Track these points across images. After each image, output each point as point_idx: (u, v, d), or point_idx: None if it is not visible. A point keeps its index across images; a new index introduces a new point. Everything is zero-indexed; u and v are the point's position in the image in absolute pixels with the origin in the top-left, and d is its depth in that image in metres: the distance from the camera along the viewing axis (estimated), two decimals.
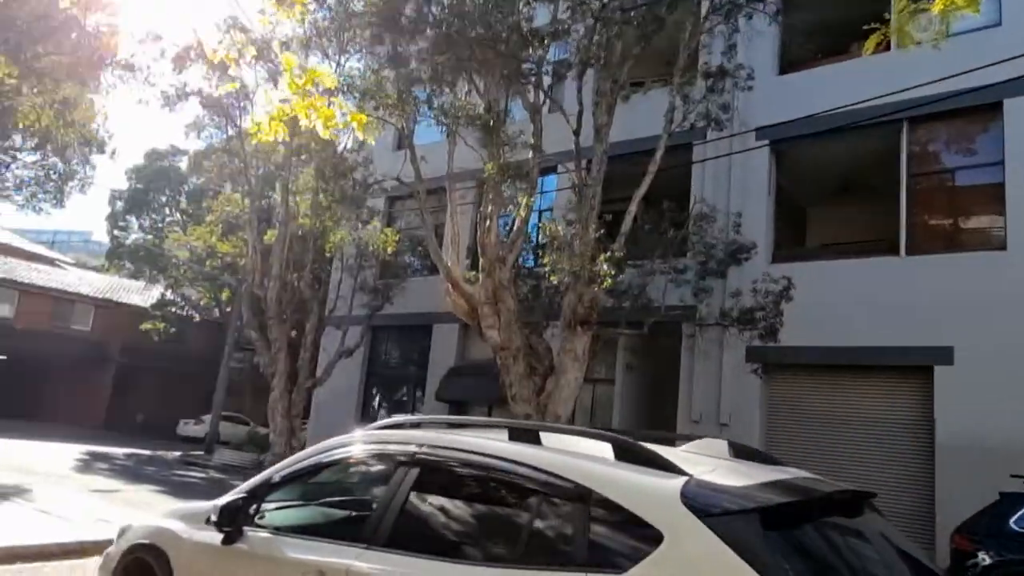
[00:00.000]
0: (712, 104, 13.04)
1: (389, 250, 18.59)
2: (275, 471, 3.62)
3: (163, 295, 34.79)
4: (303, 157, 19.26)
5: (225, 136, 20.82)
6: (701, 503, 2.21)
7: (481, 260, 14.38)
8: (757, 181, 15.34)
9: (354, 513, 3.42)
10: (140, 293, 37.88)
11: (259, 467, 19.18)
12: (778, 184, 15.69)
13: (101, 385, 33.88)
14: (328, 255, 20.09)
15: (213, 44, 18.55)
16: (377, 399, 23.15)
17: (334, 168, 14.57)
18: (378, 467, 3.44)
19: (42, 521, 8.44)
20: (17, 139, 27.04)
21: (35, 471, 14.20)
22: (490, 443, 2.83)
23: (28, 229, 63.46)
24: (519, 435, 2.89)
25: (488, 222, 14.02)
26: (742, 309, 12.73)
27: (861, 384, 13.03)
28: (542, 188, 16.73)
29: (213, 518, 3.39)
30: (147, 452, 23.36)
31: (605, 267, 11.54)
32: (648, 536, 2.23)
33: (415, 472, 2.97)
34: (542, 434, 2.89)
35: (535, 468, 2.58)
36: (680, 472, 2.39)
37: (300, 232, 20.52)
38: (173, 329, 33.36)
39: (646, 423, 16.92)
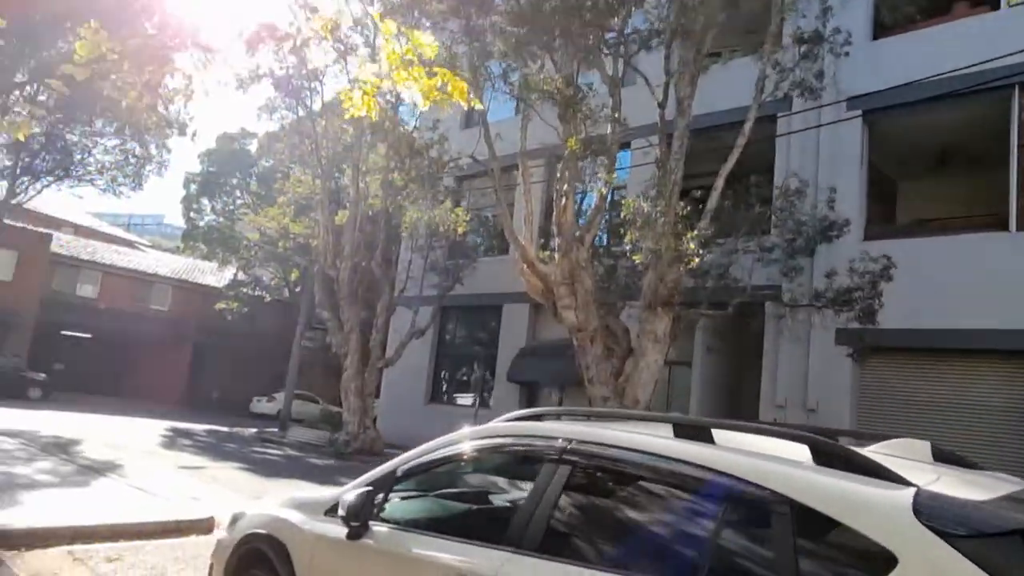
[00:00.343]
0: (806, 72, 12.28)
1: (460, 230, 18.42)
2: (400, 462, 3.40)
3: (235, 276, 35.63)
4: (369, 139, 19.22)
5: (296, 117, 20.92)
6: (944, 521, 1.86)
7: (557, 239, 14.04)
8: (848, 154, 14.52)
9: (492, 512, 3.19)
10: (214, 274, 38.88)
11: (332, 445, 19.46)
12: (868, 157, 14.85)
13: (179, 363, 35.02)
14: (401, 234, 20.03)
15: (283, 25, 18.61)
16: (447, 379, 23.18)
17: (409, 146, 14.37)
18: (518, 462, 3.18)
19: (137, 498, 8.57)
20: (98, 124, 27.94)
21: (125, 447, 14.63)
22: (657, 441, 2.52)
23: (106, 213, 66.02)
24: (687, 432, 2.58)
25: (564, 200, 13.66)
26: (837, 289, 12.05)
27: (967, 368, 12.24)
28: (616, 165, 16.27)
29: (341, 512, 3.19)
30: (225, 428, 23.97)
31: (692, 245, 11.05)
32: (875, 558, 1.89)
33: (566, 470, 2.69)
34: (714, 431, 2.57)
35: (719, 472, 2.26)
36: (903, 482, 2.04)
37: (371, 213, 20.57)
38: (246, 309, 34.13)
39: (726, 407, 16.40)
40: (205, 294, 36.15)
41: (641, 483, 2.56)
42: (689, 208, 11.71)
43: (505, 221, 14.35)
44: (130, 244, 41.24)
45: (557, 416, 3.32)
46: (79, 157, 27.58)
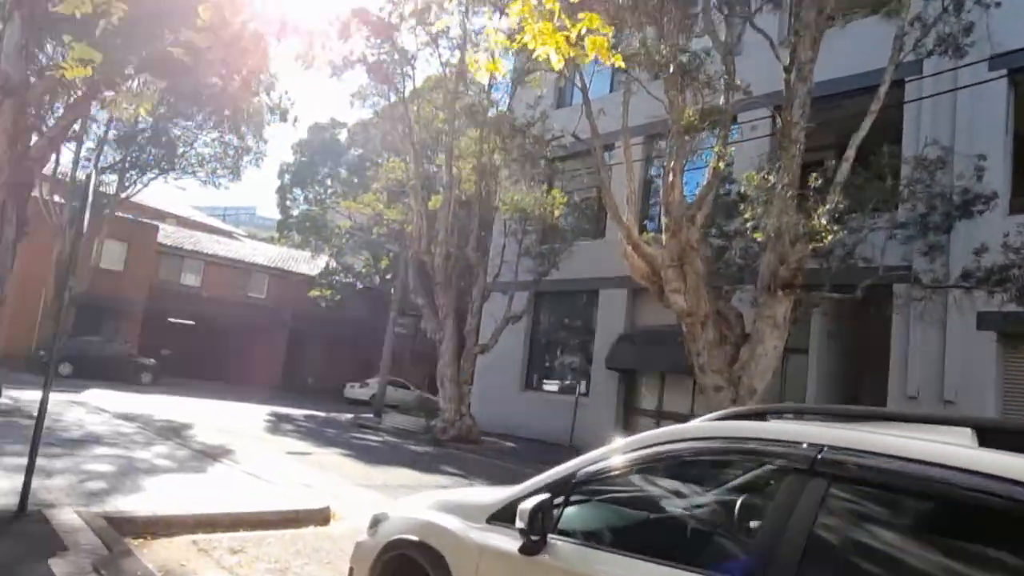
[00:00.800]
0: (951, 26, 11.05)
1: (556, 213, 17.89)
2: (579, 465, 2.90)
3: (328, 264, 36.32)
4: (461, 122, 18.90)
5: (388, 103, 20.83)
6: None
7: (664, 219, 13.30)
8: (990, 119, 13.18)
9: (705, 532, 2.66)
10: (307, 262, 39.81)
11: (428, 432, 19.37)
12: (1015, 122, 13.41)
13: (276, 349, 36.03)
14: (493, 220, 19.68)
15: (375, 9, 18.44)
16: (541, 366, 22.78)
17: (510, 125, 13.93)
18: (743, 471, 2.65)
19: (253, 485, 8.49)
20: (198, 118, 28.81)
21: (233, 431, 14.88)
22: (966, 453, 1.92)
23: (203, 206, 68.78)
24: (998, 439, 1.96)
25: (672, 177, 12.90)
26: (989, 268, 10.86)
27: None
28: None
29: (521, 524, 2.71)
30: (321, 414, 24.36)
31: (823, 221, 10.14)
32: None
33: (820, 486, 2.11)
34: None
35: None
36: None
37: (463, 197, 20.30)
38: (338, 296, 34.73)
39: (845, 400, 15.30)
40: (299, 282, 37.04)
41: (946, 512, 1.95)
42: (821, 180, 10.75)
43: (608, 202, 13.70)
44: (228, 234, 42.75)
45: (782, 414, 2.73)
46: (181, 151, 28.54)
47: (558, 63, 5.11)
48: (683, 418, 17.80)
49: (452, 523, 3.23)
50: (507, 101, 20.34)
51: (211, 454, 10.59)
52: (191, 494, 7.50)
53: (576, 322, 22.14)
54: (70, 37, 3.94)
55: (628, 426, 19.22)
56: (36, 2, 12.01)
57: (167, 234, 33.84)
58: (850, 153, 10.93)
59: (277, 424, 18.30)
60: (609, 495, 3.03)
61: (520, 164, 15.17)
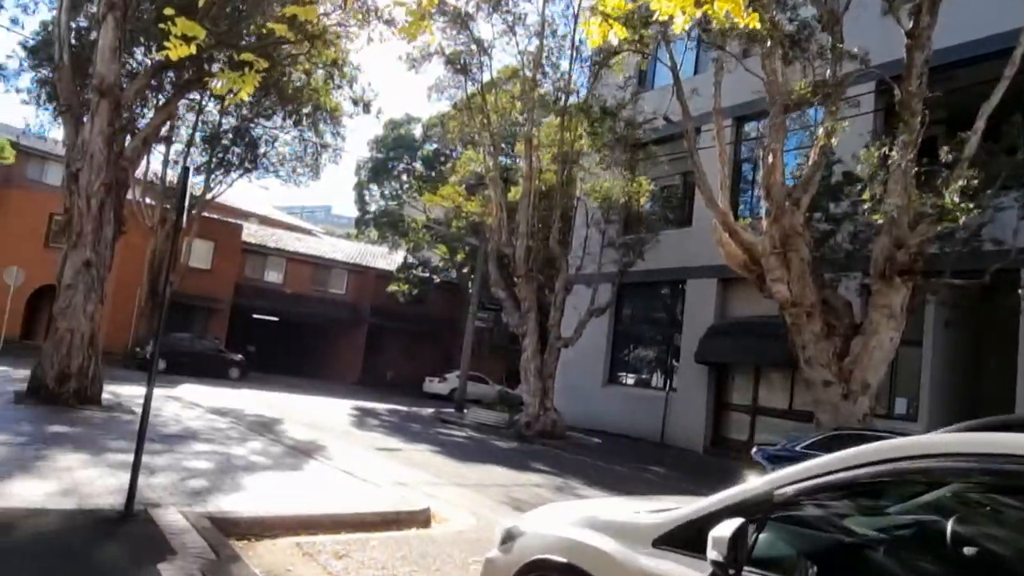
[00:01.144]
0: None
1: (641, 201, 17.24)
2: (778, 483, 2.40)
3: (405, 259, 36.56)
4: (537, 112, 18.43)
5: (465, 94, 20.54)
6: None
7: (764, 203, 12.54)
8: None
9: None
10: (384, 258, 40.22)
11: (512, 427, 19.06)
12: None
13: (355, 344, 36.52)
14: (574, 210, 19.17)
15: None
16: (625, 360, 22.16)
17: (601, 108, 13.38)
18: (1005, 498, 2.11)
19: (348, 483, 8.29)
20: (277, 118, 29.31)
21: (321, 426, 14.91)
22: None
23: (281, 205, 70.55)
24: None
25: (772, 158, 12.13)
26: None
27: None
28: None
29: (715, 555, 2.23)
30: (403, 408, 24.41)
31: (955, 199, 9.22)
32: None
33: None
34: None
35: None
36: None
37: (544, 188, 19.88)
38: (416, 291, 34.88)
39: (965, 395, 14.14)
40: (378, 277, 37.43)
41: None
42: (951, 156, 9.81)
43: (702, 186, 13.00)
44: (308, 232, 43.61)
45: None
46: (263, 150, 29.13)
47: (685, 22, 4.61)
48: (780, 415, 16.92)
49: (608, 545, 2.78)
50: (585, 88, 19.73)
51: (304, 450, 10.51)
52: (290, 493, 7.33)
53: (661, 314, 21.44)
54: (172, 11, 3.67)
55: (719, 422, 18.44)
56: (129, 3, 12.20)
57: (250, 232, 34.70)
58: (979, 124, 9.95)
59: (362, 419, 18.33)
60: (815, 520, 2.52)
61: (610, 149, 14.57)
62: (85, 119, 12.53)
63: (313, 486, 7.87)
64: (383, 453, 12.05)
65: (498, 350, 37.61)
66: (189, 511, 6.07)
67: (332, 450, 11.17)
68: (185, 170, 6.17)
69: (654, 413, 19.46)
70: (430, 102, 74.98)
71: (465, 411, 23.11)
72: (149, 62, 13.41)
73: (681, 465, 15.59)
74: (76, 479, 6.62)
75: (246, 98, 4.54)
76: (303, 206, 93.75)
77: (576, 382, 21.48)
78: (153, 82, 14.54)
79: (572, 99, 18.23)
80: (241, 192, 41.87)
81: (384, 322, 36.63)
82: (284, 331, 36.94)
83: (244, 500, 6.74)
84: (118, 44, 12.38)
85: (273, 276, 35.19)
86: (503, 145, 21.78)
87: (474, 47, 19.78)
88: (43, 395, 11.68)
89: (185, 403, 15.27)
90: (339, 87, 14.68)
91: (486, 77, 20.35)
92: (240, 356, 27.88)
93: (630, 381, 21.61)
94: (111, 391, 13.61)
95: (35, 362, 12.26)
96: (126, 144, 12.87)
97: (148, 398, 5.97)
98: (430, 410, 24.59)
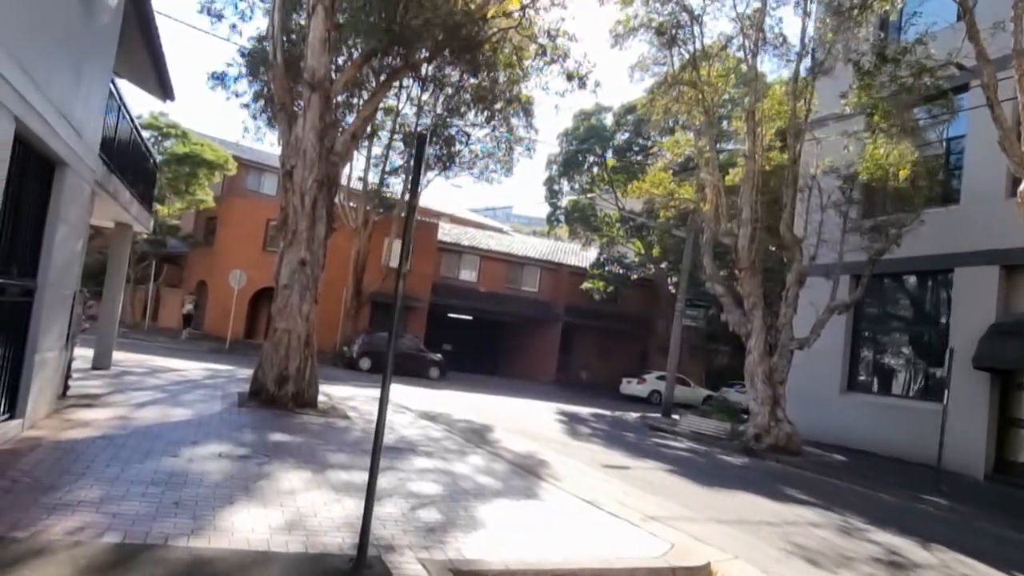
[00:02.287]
0: None
1: (902, 175, 14.36)
2: None
3: (599, 255, 35.15)
4: (760, 83, 16.04)
5: (672, 68, 18.58)
6: None
7: None
8: None
9: None
10: (576, 255, 39.12)
11: (737, 438, 16.88)
12: None
13: (549, 343, 35.65)
14: (810, 191, 16.57)
15: None
16: (869, 363, 19.10)
17: (879, 55, 11.00)
18: None
19: (596, 519, 6.87)
20: (470, 115, 29.01)
21: (533, 435, 13.78)
22: None
23: (465, 207, 72.08)
24: None
25: None
26: None
27: None
28: None
29: None
30: (606, 412, 22.95)
31: None
32: None
33: None
34: None
35: None
36: None
37: (768, 167, 17.47)
38: (611, 288, 33.33)
39: None
40: (571, 274, 36.35)
41: None
42: None
43: (1010, 148, 10.15)
44: (498, 231, 43.60)
45: None
46: (456, 148, 28.95)
47: None
48: None
49: None
50: (818, 48, 17.01)
51: (527, 467, 9.27)
52: (534, 531, 6.02)
53: (916, 309, 18.17)
54: None
55: (1005, 442, 15.05)
56: None
57: (444, 231, 34.93)
58: None
59: (571, 426, 17.05)
60: None
61: (894, 104, 11.98)
62: (298, 117, 12.24)
63: (557, 522, 6.51)
64: (612, 472, 10.56)
65: (696, 350, 35.05)
66: (429, 558, 4.89)
67: (556, 467, 9.86)
68: (420, 137, 5.02)
69: (910, 427, 16.39)
70: (631, 83, 73.02)
71: (677, 418, 21.14)
72: (356, 53, 12.88)
73: (961, 494, 12.65)
74: (300, 507, 5.71)
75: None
76: (485, 207, 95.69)
77: (805, 388, 18.75)
78: (358, 75, 14.18)
79: (808, 63, 15.76)
80: (431, 194, 42.70)
81: (578, 320, 35.45)
82: (478, 330, 36.93)
83: (486, 541, 5.49)
84: (327, 36, 11.95)
85: (467, 275, 35.22)
86: (732, 117, 19.53)
87: (684, 16, 17.81)
88: (264, 398, 11.47)
89: (394, 406, 14.77)
90: (552, 61, 13.47)
91: (697, 48, 18.28)
92: (439, 355, 27.85)
93: (876, 389, 18.51)
94: (324, 392, 13.32)
95: (256, 363, 12.14)
96: (336, 140, 12.45)
97: (381, 423, 4.82)
98: (634, 415, 22.90)
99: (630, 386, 31.44)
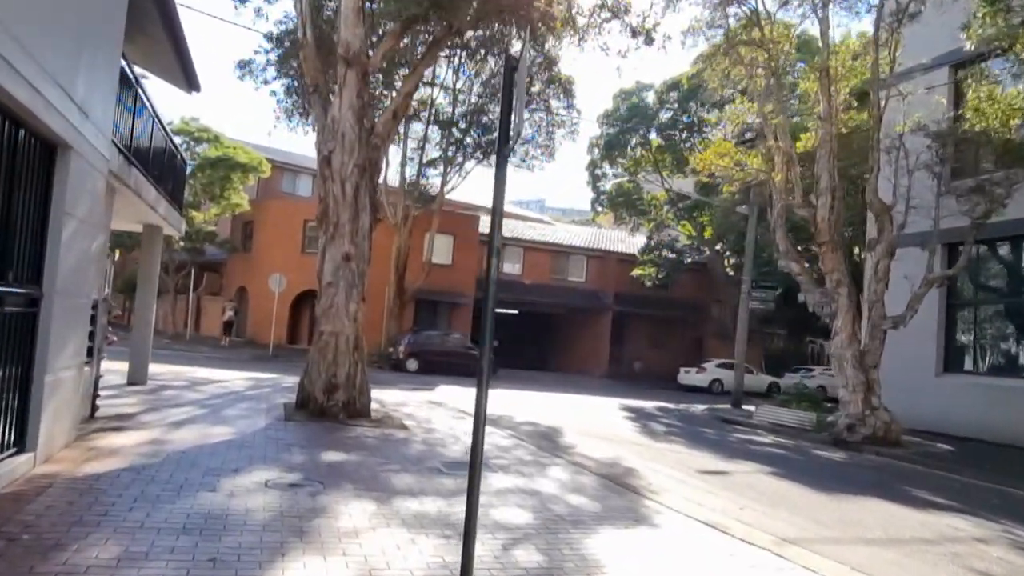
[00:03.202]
0: None
1: (1012, 122, 12.65)
2: None
3: (649, 239, 33.63)
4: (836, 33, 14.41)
5: (728, 28, 16.97)
6: None
7: None
8: None
9: None
10: (622, 241, 37.64)
11: (826, 430, 15.34)
12: None
13: (599, 334, 34.22)
14: (895, 152, 14.90)
15: None
16: (969, 341, 17.34)
17: None
18: None
19: (726, 547, 5.56)
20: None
21: (605, 436, 12.48)
22: None
23: None
24: None
25: None
26: None
27: None
28: None
29: None
30: (670, 405, 21.51)
31: None
32: None
33: None
34: None
35: None
36: None
37: (844, 130, 15.85)
38: (663, 273, 31.78)
39: None
40: (619, 262, 34.86)
41: None
42: None
43: None
44: (538, 221, 42.27)
45: None
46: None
47: None
48: None
49: None
50: None
51: (618, 480, 7.98)
52: (662, 572, 4.72)
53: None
54: None
55: None
56: None
57: (486, 223, 33.67)
58: None
59: (643, 424, 15.69)
60: None
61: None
62: (333, 97, 11.08)
63: (685, 556, 5.20)
64: (712, 480, 9.19)
65: (753, 334, 33.16)
66: None
67: (648, 476, 8.57)
68: (509, 61, 3.77)
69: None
70: (684, 49, 70.72)
71: (751, 409, 19.62)
72: (392, 24, 11.65)
73: None
74: (367, 554, 4.50)
75: None
76: (518, 200, 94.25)
77: (895, 372, 17.04)
78: (396, 46, 12.97)
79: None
80: (469, 187, 41.52)
81: (628, 309, 33.95)
82: (524, 324, 35.68)
83: None
84: (361, 4, 10.76)
85: (511, 267, 33.94)
86: (803, 77, 17.88)
87: None
88: (312, 409, 10.36)
89: (451, 410, 13.60)
90: (613, 16, 12.06)
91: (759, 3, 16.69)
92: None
93: (979, 368, 16.77)
94: (375, 398, 12.18)
95: (303, 370, 11.03)
96: (376, 120, 11.26)
97: (478, 450, 3.58)
98: (700, 407, 21.41)
99: (689, 376, 29.87)
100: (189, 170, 30.46)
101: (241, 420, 9.48)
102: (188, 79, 12.29)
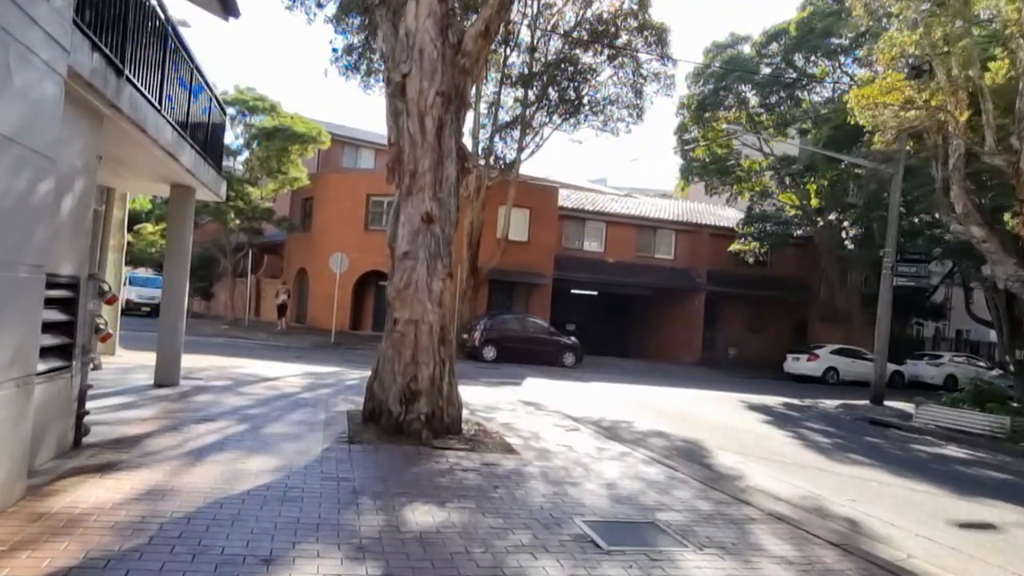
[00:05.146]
0: None
1: None
2: None
3: (749, 210, 30.04)
4: None
5: None
6: None
7: None
8: None
9: None
10: (712, 214, 34.13)
11: (1016, 436, 11.92)
12: None
13: (691, 317, 30.83)
14: None
15: None
16: None
17: None
18: None
19: None
20: (586, 56, 24.65)
21: (761, 452, 9.46)
22: None
23: (556, 181, 67.25)
24: None
25: None
26: None
27: None
28: None
29: None
30: (794, 400, 18.24)
31: None
32: None
33: None
34: None
35: None
36: None
37: None
38: (765, 248, 28.18)
39: None
40: (712, 236, 31.32)
41: None
42: None
43: None
44: (622, 194, 39.05)
45: None
46: (579, 92, 24.52)
47: None
48: None
49: None
50: None
51: (870, 556, 4.99)
52: None
53: None
54: None
55: None
56: None
57: (564, 196, 30.66)
58: None
59: (788, 429, 12.55)
60: None
61: None
62: (405, 7, 8.22)
63: None
64: (983, 541, 6.09)
65: (868, 315, 29.24)
66: None
67: (898, 541, 5.57)
68: None
69: None
70: None
71: (901, 406, 16.20)
72: None
73: None
74: None
75: None
76: (574, 181, 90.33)
77: None
78: None
79: None
80: (543, 158, 38.34)
81: (723, 289, 30.43)
82: (604, 306, 32.57)
83: None
84: None
85: (592, 244, 30.79)
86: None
87: None
88: (384, 424, 7.66)
89: (553, 415, 10.77)
90: None
91: None
92: (573, 339, 23.74)
93: None
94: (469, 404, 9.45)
95: (371, 370, 8.33)
96: (464, 34, 8.38)
97: None
98: (831, 404, 18.05)
99: (798, 364, 26.30)
100: (242, 142, 28.40)
101: (290, 443, 6.84)
102: (224, 2, 9.70)
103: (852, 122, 15.70)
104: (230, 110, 28.17)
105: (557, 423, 9.92)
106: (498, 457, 7.07)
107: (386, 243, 8.47)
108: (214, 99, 9.87)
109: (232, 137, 28.84)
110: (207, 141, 9.62)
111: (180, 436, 6.66)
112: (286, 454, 6.36)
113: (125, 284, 30.48)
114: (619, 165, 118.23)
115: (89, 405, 6.63)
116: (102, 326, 6.16)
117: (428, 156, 7.94)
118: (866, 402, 18.13)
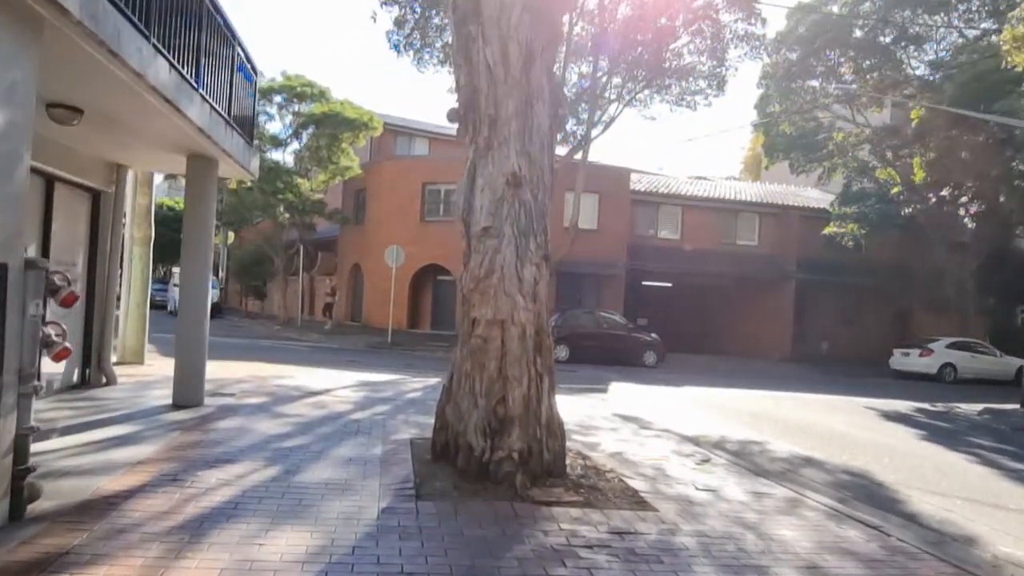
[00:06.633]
0: None
1: None
2: None
3: (845, 188, 27.07)
4: None
5: None
6: None
7: None
8: None
9: None
10: (796, 195, 31.20)
11: None
12: None
13: (779, 308, 28.03)
14: None
15: None
16: None
17: None
18: None
19: None
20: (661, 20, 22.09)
21: (967, 494, 7.05)
22: None
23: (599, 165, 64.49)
24: None
25: None
26: None
27: None
28: None
29: None
30: (926, 405, 15.54)
31: None
32: None
33: None
34: None
35: None
36: None
37: None
38: (865, 230, 25.21)
39: None
40: (801, 219, 28.42)
41: None
42: None
43: None
44: (699, 177, 36.33)
45: None
46: (650, 61, 22.05)
47: None
48: None
49: None
50: None
51: None
52: None
53: None
54: None
55: None
56: None
57: (635, 179, 28.20)
58: None
59: (963, 450, 10.01)
60: None
61: None
62: None
63: None
64: None
65: (963, 305, 25.90)
66: None
67: None
68: None
69: None
70: None
71: None
72: None
73: None
74: None
75: None
76: (628, 168, 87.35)
77: None
78: None
79: None
80: (611, 142, 35.91)
81: (814, 277, 27.52)
82: (679, 298, 29.99)
83: None
84: None
85: (667, 231, 28.24)
86: None
87: None
88: (462, 464, 5.56)
89: (660, 434, 8.55)
90: None
91: None
92: (655, 335, 21.38)
93: None
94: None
95: (441, 391, 6.24)
96: None
97: None
98: (966, 407, 15.31)
99: (908, 359, 23.35)
100: (291, 131, 26.87)
101: (334, 499, 4.80)
102: None
103: (1000, 67, 12.94)
104: (276, 98, 26.71)
105: (676, 448, 7.69)
106: (628, 517, 4.90)
107: (453, 225, 6.39)
108: (240, 49, 7.93)
109: (280, 127, 27.43)
110: (231, 100, 7.69)
111: (178, 493, 4.68)
112: (327, 521, 4.32)
113: (169, 284, 29.49)
114: (671, 154, 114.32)
115: (78, 438, 4.79)
116: (55, 337, 4.21)
117: (513, 96, 5.81)
118: (1015, 406, 15.30)
